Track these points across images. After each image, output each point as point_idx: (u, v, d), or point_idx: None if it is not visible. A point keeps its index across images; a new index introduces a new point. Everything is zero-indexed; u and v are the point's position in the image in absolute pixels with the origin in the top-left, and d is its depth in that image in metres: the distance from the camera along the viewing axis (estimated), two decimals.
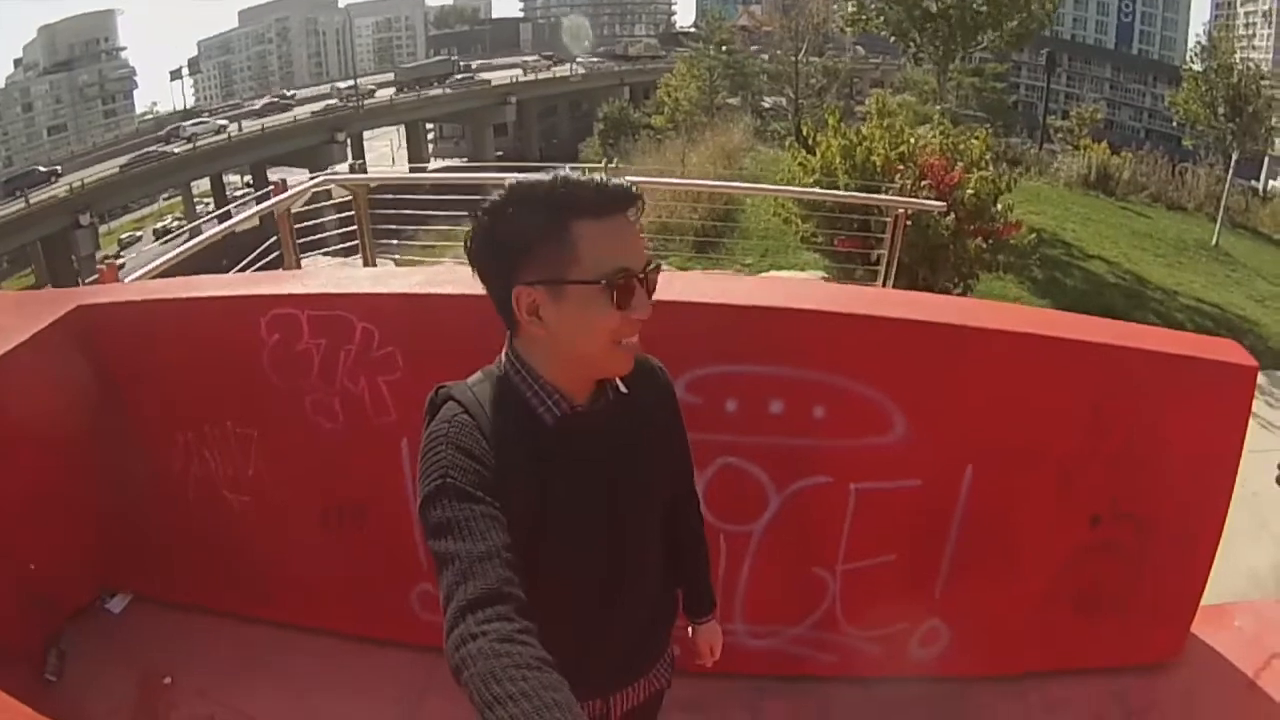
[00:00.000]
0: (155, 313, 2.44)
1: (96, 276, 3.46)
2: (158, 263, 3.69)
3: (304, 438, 2.39)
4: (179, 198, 42.30)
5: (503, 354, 1.18)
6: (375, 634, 2.66)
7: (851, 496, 2.15)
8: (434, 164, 43.68)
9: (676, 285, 2.07)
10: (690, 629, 1.57)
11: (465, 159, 43.80)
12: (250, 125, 40.03)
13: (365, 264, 5.24)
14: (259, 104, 46.00)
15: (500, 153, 42.43)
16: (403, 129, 45.08)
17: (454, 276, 2.33)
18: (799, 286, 2.16)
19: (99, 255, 32.90)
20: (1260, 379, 5.17)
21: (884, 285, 5.08)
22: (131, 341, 2.48)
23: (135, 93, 48.26)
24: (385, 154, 46.19)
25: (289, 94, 46.89)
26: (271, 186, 4.82)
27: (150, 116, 47.58)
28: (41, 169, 36.51)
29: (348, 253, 5.61)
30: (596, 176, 1.07)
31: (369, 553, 2.52)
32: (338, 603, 2.66)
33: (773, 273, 7.30)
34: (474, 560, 0.95)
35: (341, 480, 2.44)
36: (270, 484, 2.53)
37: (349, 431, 2.34)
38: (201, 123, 41.23)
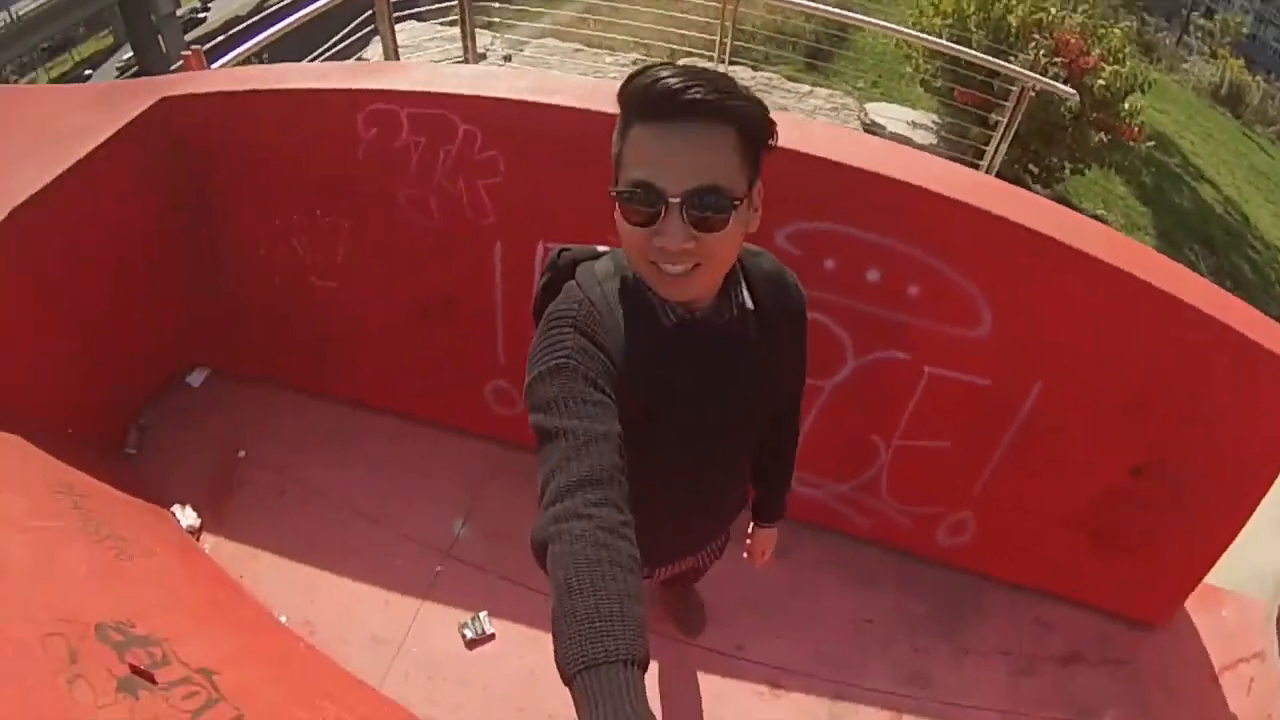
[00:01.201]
0: (245, 105, 2.37)
1: (181, 64, 3.37)
2: (248, 46, 3.61)
3: (396, 231, 2.42)
4: None
5: None
6: (447, 420, 2.82)
7: (924, 378, 2.17)
8: None
9: (797, 134, 1.98)
10: (751, 527, 1.63)
11: None
12: None
13: (464, 33, 5.01)
14: None
15: None
16: None
17: (562, 84, 2.25)
18: (920, 160, 2.05)
19: (179, 10, 31.90)
20: None
21: (996, 151, 4.88)
22: (220, 133, 2.45)
23: None
24: None
25: None
26: None
27: None
28: None
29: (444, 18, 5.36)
30: (668, 77, 0.90)
31: (450, 345, 2.62)
32: (414, 389, 2.81)
33: (883, 105, 6.87)
34: (591, 439, 0.92)
35: (431, 275, 2.50)
36: (358, 272, 2.60)
37: (443, 229, 2.36)
38: None
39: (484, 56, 5.10)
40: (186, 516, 2.62)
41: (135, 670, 1.58)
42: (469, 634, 2.38)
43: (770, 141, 0.97)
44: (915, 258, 1.99)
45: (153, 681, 1.59)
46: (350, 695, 2.09)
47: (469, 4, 4.93)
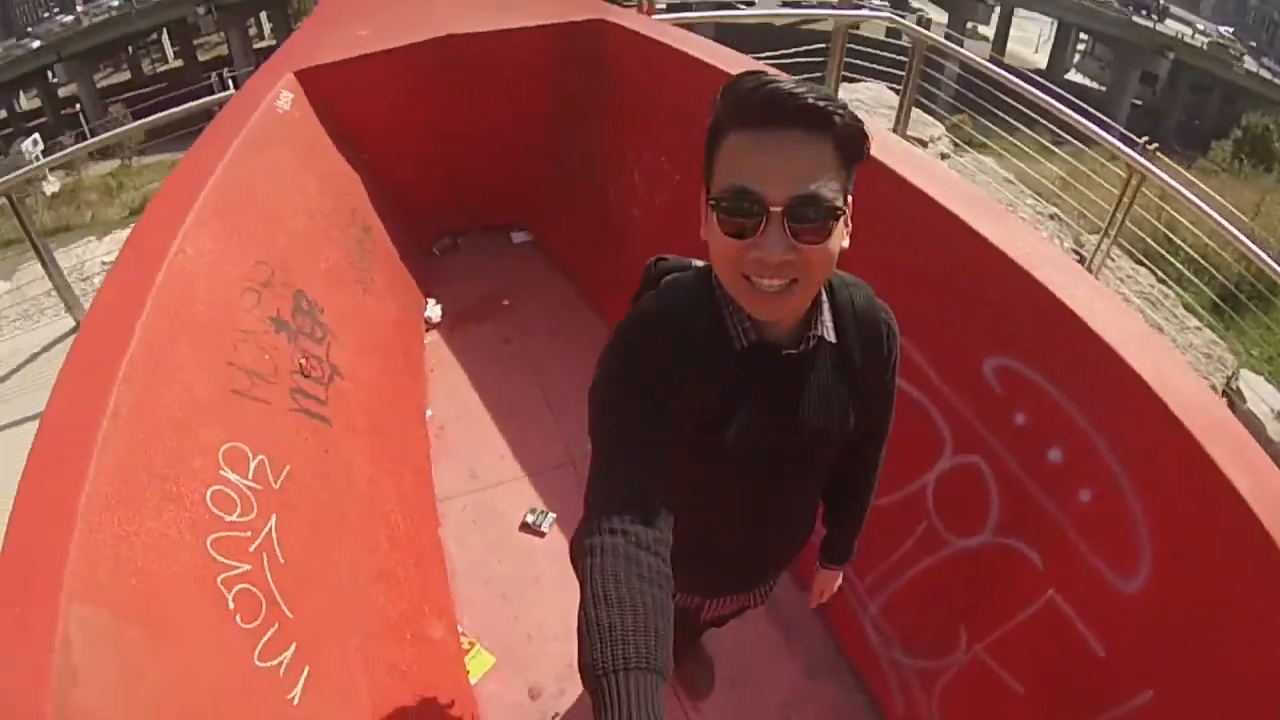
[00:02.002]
0: (652, 50, 2.99)
1: (636, 5, 4.73)
2: (693, 17, 4.85)
3: (699, 201, 2.73)
4: None
5: None
6: None
7: (1042, 600, 1.80)
8: (1070, 75, 37.51)
9: (1059, 277, 1.80)
10: (817, 566, 1.56)
11: (1103, 87, 36.05)
12: None
13: (899, 112, 5.05)
14: None
15: (1138, 102, 34.48)
16: (1055, 25, 37.32)
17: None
18: (1190, 383, 1.70)
19: None
20: None
21: None
22: (626, 63, 3.11)
23: None
24: (1029, 41, 39.79)
25: None
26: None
27: None
28: None
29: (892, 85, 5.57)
30: (776, 83, 0.87)
31: None
32: None
33: (1261, 381, 5.58)
34: (636, 456, 0.94)
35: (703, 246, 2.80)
36: (664, 222, 3.00)
37: None
38: None
39: (924, 144, 5.12)
40: (433, 309, 3.29)
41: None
42: (529, 519, 2.62)
43: (864, 156, 0.93)
44: (1110, 463, 1.66)
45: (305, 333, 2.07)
46: (408, 481, 2.48)
47: (912, 95, 4.92)
